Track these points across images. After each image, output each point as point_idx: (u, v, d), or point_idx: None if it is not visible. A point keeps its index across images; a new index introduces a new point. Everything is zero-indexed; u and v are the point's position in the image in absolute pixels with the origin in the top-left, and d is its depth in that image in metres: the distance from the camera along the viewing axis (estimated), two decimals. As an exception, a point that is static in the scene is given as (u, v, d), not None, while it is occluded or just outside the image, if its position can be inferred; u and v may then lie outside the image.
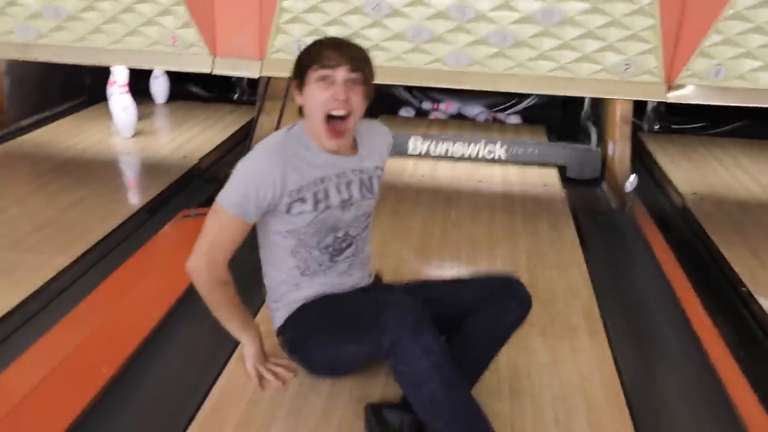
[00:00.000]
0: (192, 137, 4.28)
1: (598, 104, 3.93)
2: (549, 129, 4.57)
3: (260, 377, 1.88)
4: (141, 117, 4.33)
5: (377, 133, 1.91)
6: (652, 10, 2.67)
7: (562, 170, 3.83)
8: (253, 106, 4.19)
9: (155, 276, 2.51)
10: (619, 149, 3.49)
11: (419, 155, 3.84)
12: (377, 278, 2.01)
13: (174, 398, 1.89)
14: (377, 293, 1.79)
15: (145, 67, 3.37)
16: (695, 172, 3.87)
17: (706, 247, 2.94)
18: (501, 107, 4.91)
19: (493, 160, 3.84)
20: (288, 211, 1.71)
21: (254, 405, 1.81)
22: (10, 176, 3.58)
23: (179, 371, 2.03)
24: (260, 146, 1.74)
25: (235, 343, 2.01)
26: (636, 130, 4.24)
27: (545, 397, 1.90)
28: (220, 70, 3.03)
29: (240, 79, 4.98)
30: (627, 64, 2.79)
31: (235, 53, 3.01)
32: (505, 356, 1.98)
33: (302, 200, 1.71)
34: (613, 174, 3.63)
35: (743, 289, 2.51)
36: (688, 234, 3.15)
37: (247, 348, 1.87)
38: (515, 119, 4.87)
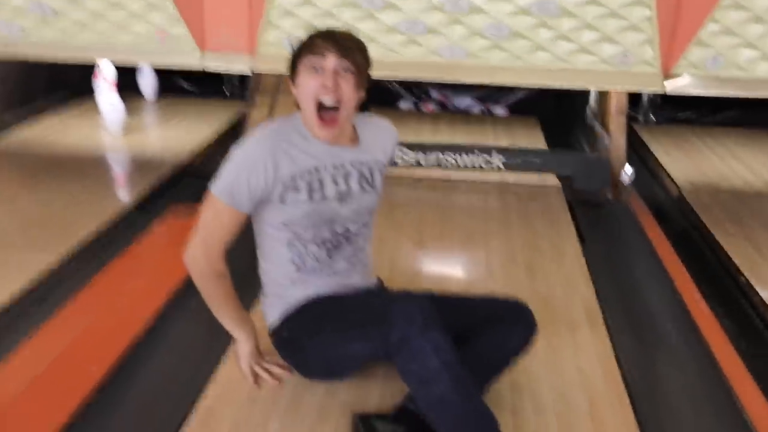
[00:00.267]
0: (182, 133, 4.23)
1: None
2: (541, 121, 4.56)
3: (255, 376, 1.85)
4: (129, 113, 4.26)
5: (381, 129, 1.89)
6: (649, 0, 2.66)
7: (570, 188, 3.51)
8: (243, 101, 4.15)
9: (145, 274, 2.48)
10: (614, 141, 3.46)
11: (407, 166, 3.48)
12: (380, 282, 1.98)
13: (167, 399, 1.85)
14: (383, 292, 1.76)
15: (133, 63, 3.32)
16: (690, 163, 3.88)
17: (704, 237, 2.93)
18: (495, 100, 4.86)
19: (491, 170, 3.51)
20: (282, 200, 1.68)
21: (249, 405, 1.79)
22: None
23: (172, 370, 1.99)
24: (253, 134, 1.72)
25: (229, 341, 1.97)
26: (631, 121, 4.23)
27: (545, 392, 1.89)
28: (209, 66, 2.99)
29: (230, 74, 4.92)
30: (624, 55, 2.77)
31: (225, 48, 2.97)
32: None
33: (296, 189, 1.68)
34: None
35: (742, 279, 2.51)
36: (685, 225, 3.15)
37: (242, 346, 1.84)
38: (502, 111, 4.86)
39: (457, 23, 2.80)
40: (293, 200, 1.68)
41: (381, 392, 1.83)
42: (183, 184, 3.47)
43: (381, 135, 1.87)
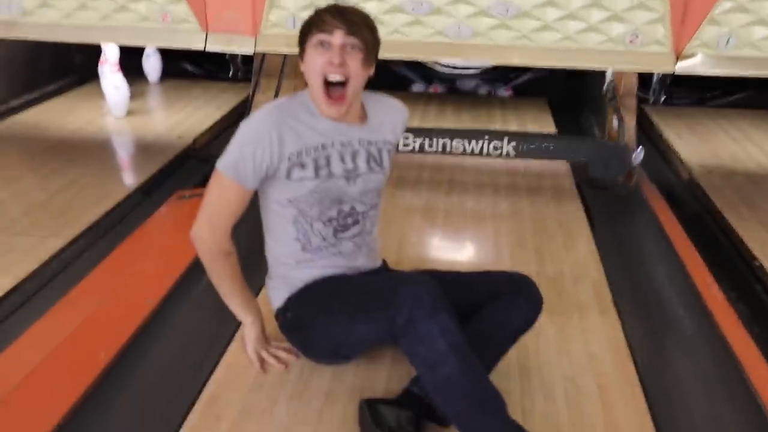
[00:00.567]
0: (186, 116, 4.22)
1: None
2: (550, 103, 4.51)
3: (262, 361, 1.84)
4: (134, 96, 4.26)
5: (391, 107, 1.86)
6: (661, -24, 2.60)
7: (580, 170, 3.42)
8: (248, 83, 4.10)
9: (151, 258, 2.46)
10: (625, 123, 3.40)
11: (412, 151, 3.33)
12: (384, 264, 1.96)
13: (174, 383, 1.85)
14: (388, 273, 1.74)
15: (135, 44, 3.29)
16: (702, 145, 3.83)
17: (716, 221, 2.90)
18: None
19: (500, 156, 3.32)
20: (288, 176, 1.66)
21: (256, 390, 1.78)
22: (3, 159, 3.51)
23: (178, 356, 1.99)
24: (259, 109, 1.71)
25: (236, 326, 1.98)
26: (640, 102, 4.17)
27: (555, 378, 1.87)
28: (212, 47, 2.94)
29: (234, 56, 4.89)
30: (634, 35, 2.71)
31: (228, 29, 2.92)
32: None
33: (302, 165, 1.66)
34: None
35: (756, 263, 2.47)
36: (697, 208, 3.11)
37: (248, 330, 1.83)
38: (505, 93, 4.80)
39: (463, 2, 2.74)
40: (299, 177, 1.67)
41: (389, 376, 1.82)
42: (188, 167, 3.46)
43: (391, 114, 1.84)
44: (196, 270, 2.24)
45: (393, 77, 4.54)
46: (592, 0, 2.68)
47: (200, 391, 1.77)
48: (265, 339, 1.87)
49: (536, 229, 2.80)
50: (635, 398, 1.79)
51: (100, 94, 4.23)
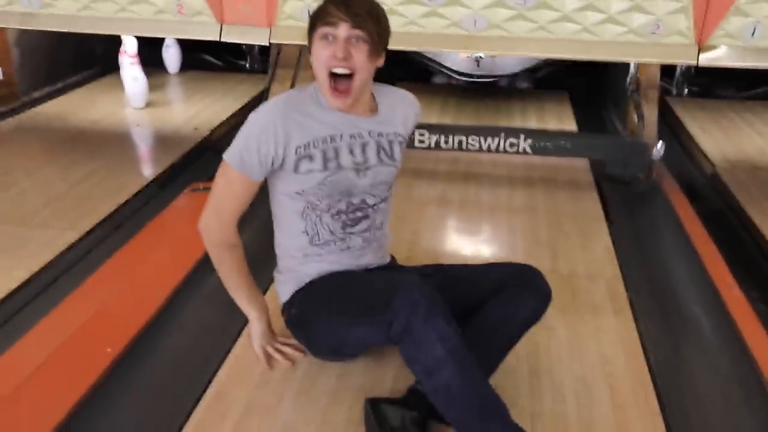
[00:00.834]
0: (204, 108, 4.22)
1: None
2: (571, 96, 4.41)
3: (268, 357, 1.83)
4: (153, 87, 4.27)
5: (403, 100, 1.83)
6: (684, -35, 2.51)
7: (598, 164, 3.33)
8: (265, 75, 4.09)
9: (163, 252, 2.46)
10: (646, 115, 3.31)
11: (428, 148, 3.27)
12: (393, 260, 1.93)
13: (180, 379, 1.84)
14: (390, 273, 1.70)
15: (151, 35, 3.28)
16: (726, 139, 3.72)
17: (739, 218, 2.81)
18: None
19: (516, 153, 3.27)
20: (296, 169, 1.64)
21: (262, 387, 1.77)
22: (21, 149, 3.55)
23: (187, 350, 1.98)
24: (267, 101, 1.71)
25: (245, 321, 1.95)
26: (663, 94, 4.07)
27: (566, 379, 1.83)
28: (227, 38, 2.93)
29: (251, 48, 4.87)
30: (656, 25, 2.62)
31: (243, 20, 2.90)
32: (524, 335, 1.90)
33: (310, 158, 1.64)
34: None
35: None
36: (719, 204, 3.02)
37: (254, 326, 1.82)
38: (525, 84, 4.72)
39: (481, -7, 2.68)
40: (307, 169, 1.65)
41: (395, 375, 1.79)
42: (204, 159, 3.45)
43: (402, 106, 1.81)
44: (207, 263, 2.23)
45: (414, 68, 4.48)
46: (612, -10, 2.60)
47: (206, 387, 1.76)
48: (272, 335, 1.85)
49: (551, 224, 2.75)
50: (648, 401, 1.74)
51: (120, 85, 4.24)
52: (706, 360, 2.01)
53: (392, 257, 1.94)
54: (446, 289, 1.64)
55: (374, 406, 1.59)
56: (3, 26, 3.62)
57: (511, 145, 3.28)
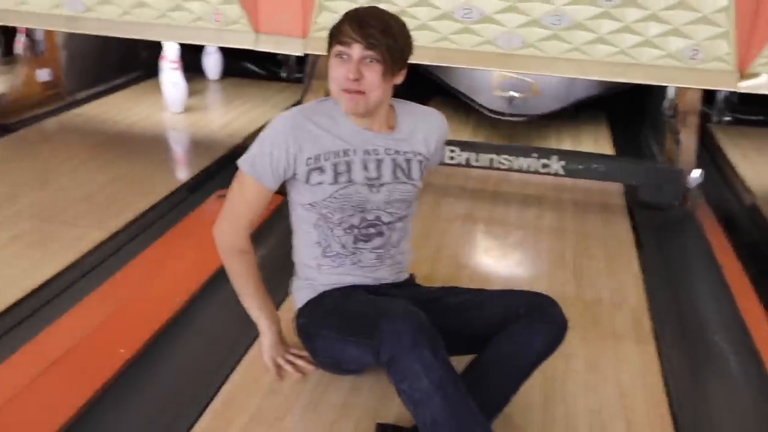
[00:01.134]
0: (240, 115, 4.27)
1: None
2: (609, 118, 4.33)
3: (278, 368, 1.82)
4: (192, 93, 4.35)
5: (426, 119, 1.79)
6: (726, -11, 2.44)
7: (631, 188, 3.25)
8: (301, 84, 4.12)
9: (185, 257, 2.48)
10: (684, 141, 3.22)
11: (458, 165, 3.23)
12: (411, 278, 1.90)
13: (190, 384, 1.84)
14: (383, 299, 1.66)
15: (188, 42, 3.34)
16: (768, 168, 3.58)
17: (775, 252, 2.70)
18: None
19: (548, 175, 3.21)
20: (307, 180, 1.66)
21: (271, 396, 1.76)
22: (63, 148, 3.65)
23: (199, 356, 1.99)
24: (285, 111, 1.71)
25: (258, 330, 1.95)
26: (705, 120, 3.96)
27: (580, 409, 1.77)
28: (262, 47, 2.97)
29: (288, 57, 4.92)
30: (695, 50, 2.56)
31: (278, 30, 2.93)
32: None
33: (321, 170, 1.65)
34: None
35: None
36: (757, 237, 2.90)
37: (264, 337, 1.82)
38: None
39: (515, 11, 2.65)
40: (317, 181, 1.66)
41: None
42: (235, 166, 3.47)
43: (425, 125, 1.77)
44: (225, 271, 2.26)
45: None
46: (650, 12, 2.54)
47: (216, 393, 1.76)
48: (283, 346, 1.84)
49: (579, 248, 2.69)
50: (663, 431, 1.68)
51: (160, 89, 4.32)
52: (729, 397, 1.92)
53: (411, 275, 1.91)
54: (449, 317, 1.62)
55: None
56: (49, 29, 3.73)
57: (543, 165, 3.22)
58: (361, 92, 1.58)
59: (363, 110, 1.62)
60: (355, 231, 1.71)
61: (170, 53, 4.08)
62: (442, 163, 3.05)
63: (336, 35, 1.56)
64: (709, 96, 4.07)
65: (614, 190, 3.30)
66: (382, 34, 1.53)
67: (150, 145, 3.70)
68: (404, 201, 1.75)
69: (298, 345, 1.86)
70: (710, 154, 3.79)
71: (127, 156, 3.43)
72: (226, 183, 3.00)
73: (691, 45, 2.55)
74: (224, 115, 4.33)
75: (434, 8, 2.73)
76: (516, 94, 3.76)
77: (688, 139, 3.21)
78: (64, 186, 3.09)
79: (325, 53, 1.66)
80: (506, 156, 3.22)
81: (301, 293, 1.82)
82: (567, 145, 3.92)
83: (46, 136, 3.85)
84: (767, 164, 3.66)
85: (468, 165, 3.24)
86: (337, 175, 1.65)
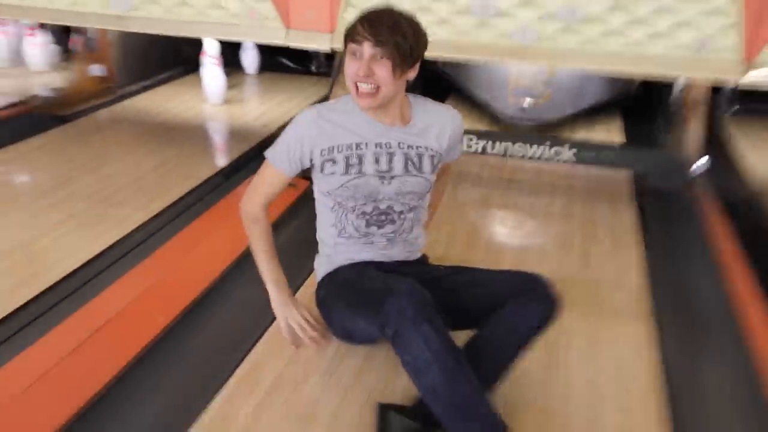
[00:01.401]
0: (274, 106, 4.32)
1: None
2: (622, 109, 4.24)
3: (293, 335, 1.84)
4: (230, 86, 4.40)
5: (441, 115, 1.80)
6: (734, -19, 2.37)
7: (639, 176, 3.23)
8: (330, 77, 4.14)
9: (219, 236, 2.53)
10: (690, 130, 3.16)
11: (475, 153, 3.30)
12: (424, 257, 1.93)
13: (220, 350, 1.90)
14: (391, 276, 1.68)
15: (224, 38, 3.39)
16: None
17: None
18: None
19: (560, 162, 3.27)
20: (321, 170, 1.73)
21: (291, 364, 1.81)
22: (113, 136, 3.76)
23: (229, 325, 2.04)
24: (307, 109, 1.77)
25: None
26: (714, 111, 3.85)
27: (578, 379, 1.79)
28: (292, 43, 2.98)
29: (317, 52, 4.93)
30: (702, 42, 2.49)
31: (307, 26, 2.94)
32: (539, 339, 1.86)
33: (333, 161, 1.71)
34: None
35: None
36: (758, 224, 2.83)
37: (271, 294, 1.84)
38: None
39: (529, 5, 2.62)
40: (330, 171, 1.72)
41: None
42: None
43: (438, 121, 1.78)
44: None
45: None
46: (661, 5, 2.48)
47: (243, 359, 1.81)
48: (295, 307, 1.84)
49: (586, 232, 2.67)
50: (657, 409, 1.68)
51: (202, 82, 4.38)
52: (721, 376, 1.90)
53: (424, 255, 1.93)
54: (454, 295, 1.65)
55: (382, 414, 1.57)
56: (99, 27, 3.81)
57: (556, 153, 3.24)
58: (373, 93, 1.60)
59: (375, 105, 1.64)
60: (368, 217, 1.76)
61: (210, 49, 4.14)
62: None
63: (350, 34, 1.59)
64: (718, 87, 3.97)
65: (623, 178, 3.25)
66: (391, 33, 1.55)
67: (191, 134, 3.77)
68: (416, 193, 1.76)
69: (320, 319, 1.89)
70: (719, 144, 3.70)
71: (170, 144, 3.50)
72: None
73: (700, 36, 2.48)
74: (260, 106, 4.38)
75: (452, 3, 2.71)
76: (530, 101, 3.71)
77: (695, 129, 3.16)
78: (114, 170, 3.18)
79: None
80: (521, 144, 3.23)
81: (321, 267, 1.88)
82: (580, 135, 3.86)
83: (99, 125, 3.94)
84: (774, 154, 3.57)
85: (484, 152, 3.26)
86: (348, 166, 1.70)
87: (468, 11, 2.69)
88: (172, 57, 4.93)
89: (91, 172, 3.11)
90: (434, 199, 1.96)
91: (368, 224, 1.77)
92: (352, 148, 1.69)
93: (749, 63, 2.51)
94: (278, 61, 5.13)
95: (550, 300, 1.59)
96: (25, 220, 2.59)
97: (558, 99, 3.74)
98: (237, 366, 1.78)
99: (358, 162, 1.70)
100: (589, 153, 3.19)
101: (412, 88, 1.75)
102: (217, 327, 2.02)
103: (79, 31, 4.36)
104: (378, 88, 1.60)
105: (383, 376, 1.75)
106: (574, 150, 3.18)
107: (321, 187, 1.78)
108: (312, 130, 1.70)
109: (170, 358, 1.86)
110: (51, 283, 2.13)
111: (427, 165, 1.75)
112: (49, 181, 2.99)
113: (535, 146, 3.23)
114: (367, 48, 1.56)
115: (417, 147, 1.73)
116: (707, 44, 2.51)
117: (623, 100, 4.02)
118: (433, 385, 1.42)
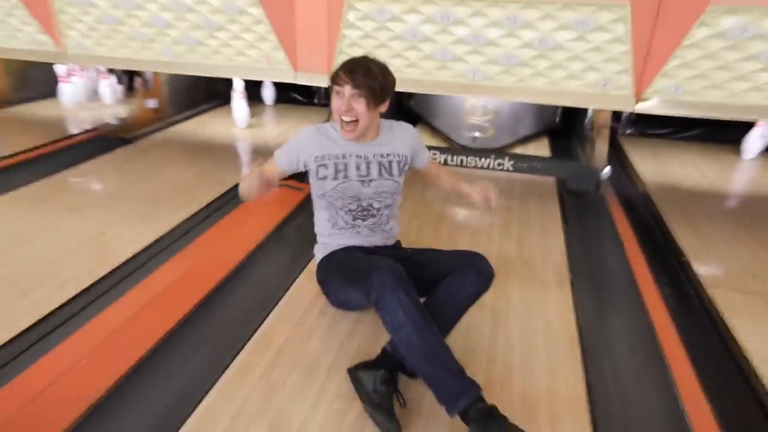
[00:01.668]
0: (286, 129, 4.24)
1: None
2: (549, 134, 4.24)
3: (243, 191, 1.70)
4: (253, 114, 4.32)
5: (402, 129, 1.80)
6: (626, 38, 2.36)
7: (561, 180, 3.20)
8: (328, 107, 4.08)
9: (242, 231, 2.47)
10: (598, 147, 3.17)
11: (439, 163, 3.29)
12: (397, 243, 1.90)
13: (243, 316, 1.86)
14: (376, 257, 1.65)
15: (248, 78, 3.31)
16: (658, 167, 3.51)
17: (659, 225, 2.65)
18: None
19: (502, 171, 3.26)
20: (317, 174, 1.70)
21: (298, 327, 1.78)
22: (164, 153, 3.64)
23: (250, 297, 1.99)
24: (307, 126, 1.76)
25: (293, 278, 1.99)
26: (615, 133, 3.87)
27: (516, 333, 1.78)
28: (299, 81, 2.93)
29: (319, 88, 4.86)
30: (604, 81, 2.49)
31: (310, 68, 2.89)
32: (490, 299, 1.86)
33: (325, 166, 1.69)
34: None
35: (683, 259, 2.24)
36: (647, 214, 2.85)
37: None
38: None
39: (477, 53, 2.59)
40: (323, 174, 1.69)
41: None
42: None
43: (400, 134, 1.78)
44: (272, 238, 2.26)
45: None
46: (573, 54, 2.47)
47: (261, 323, 1.78)
48: (258, 174, 1.63)
49: (521, 223, 2.65)
50: (574, 350, 1.69)
51: (231, 112, 4.31)
52: (622, 325, 1.90)
53: (398, 241, 1.90)
54: (419, 268, 1.62)
55: (353, 375, 1.51)
56: (153, 71, 3.72)
57: (499, 164, 3.26)
58: (353, 126, 1.59)
59: (355, 136, 1.64)
60: (354, 213, 1.74)
61: (238, 86, 4.06)
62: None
63: (334, 78, 1.59)
64: (618, 114, 3.99)
65: (549, 182, 3.24)
66: (365, 77, 1.54)
67: (222, 151, 3.69)
68: (390, 192, 1.75)
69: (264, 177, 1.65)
70: (618, 157, 3.72)
71: (205, 158, 3.43)
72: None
73: (602, 77, 2.48)
74: (275, 129, 4.30)
75: (419, 51, 2.67)
76: (478, 134, 3.69)
77: (601, 146, 3.17)
78: (163, 179, 3.10)
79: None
80: (473, 157, 3.25)
81: (319, 253, 1.84)
82: (518, 150, 3.85)
83: (153, 145, 3.84)
84: (656, 164, 3.58)
85: (446, 163, 3.26)
86: (336, 172, 1.68)
87: (432, 57, 2.65)
88: (209, 92, 4.84)
89: (145, 180, 3.04)
90: (453, 179, 1.89)
91: (354, 218, 1.74)
92: (339, 157, 1.69)
93: (638, 97, 2.51)
94: (290, 95, 5.05)
95: (485, 273, 1.57)
96: (97, 216, 2.52)
97: (500, 133, 3.72)
98: (257, 328, 1.75)
99: (344, 168, 1.68)
100: (524, 163, 3.23)
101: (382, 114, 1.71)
102: (240, 299, 1.97)
103: (139, 73, 4.26)
104: (357, 120, 1.59)
105: (369, 334, 1.73)
106: (513, 161, 3.22)
107: (317, 190, 1.76)
108: (309, 141, 1.69)
109: (205, 323, 1.82)
110: (117, 265, 2.08)
111: (395, 169, 1.73)
112: (114, 188, 2.92)
113: (483, 158, 3.27)
114: (347, 89, 1.56)
115: (387, 155, 1.72)
116: (608, 83, 2.50)
117: (549, 130, 4.01)
118: (408, 340, 1.40)
